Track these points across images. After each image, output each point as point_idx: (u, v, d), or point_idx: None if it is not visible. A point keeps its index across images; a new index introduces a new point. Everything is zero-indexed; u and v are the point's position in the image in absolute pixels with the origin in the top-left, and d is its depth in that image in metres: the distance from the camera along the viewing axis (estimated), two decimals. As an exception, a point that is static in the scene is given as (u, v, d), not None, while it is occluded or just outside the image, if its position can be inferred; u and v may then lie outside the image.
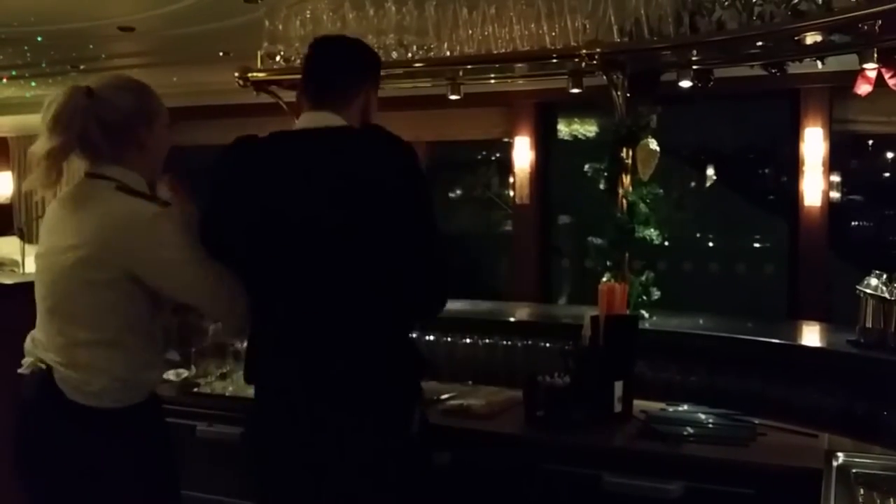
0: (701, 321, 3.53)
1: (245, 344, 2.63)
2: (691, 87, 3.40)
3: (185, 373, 3.77)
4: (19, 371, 2.46)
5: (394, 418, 2.33)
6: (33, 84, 8.39)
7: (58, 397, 2.30)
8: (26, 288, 3.95)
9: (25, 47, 6.72)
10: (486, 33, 3.48)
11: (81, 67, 7.50)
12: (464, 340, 3.51)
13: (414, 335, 3.06)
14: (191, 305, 2.51)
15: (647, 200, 3.39)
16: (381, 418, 2.30)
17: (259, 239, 2.30)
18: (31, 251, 6.85)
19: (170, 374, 3.78)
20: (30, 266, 6.12)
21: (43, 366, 2.37)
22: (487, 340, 3.46)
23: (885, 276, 2.90)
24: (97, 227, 2.28)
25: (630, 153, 3.33)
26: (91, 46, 6.76)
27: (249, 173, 2.35)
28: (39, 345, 2.41)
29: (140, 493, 2.37)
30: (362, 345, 2.31)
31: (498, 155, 9.05)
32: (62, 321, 2.36)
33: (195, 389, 3.54)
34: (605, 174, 3.39)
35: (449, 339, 3.52)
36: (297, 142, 2.37)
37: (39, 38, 6.44)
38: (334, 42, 2.55)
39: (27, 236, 7.18)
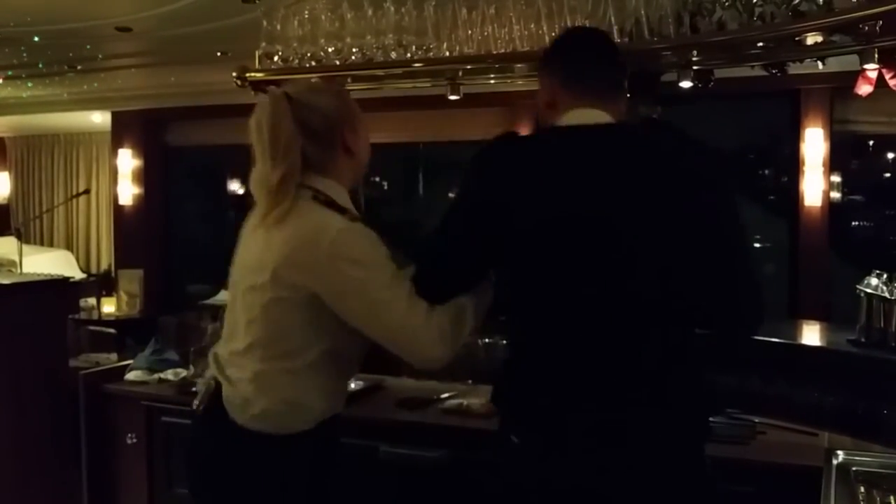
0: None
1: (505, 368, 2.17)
2: (692, 88, 3.40)
3: (183, 372, 3.79)
4: (194, 388, 2.41)
5: (690, 458, 2.01)
6: (30, 84, 8.39)
7: (223, 416, 2.20)
8: (25, 288, 4.00)
9: (22, 47, 6.71)
10: (485, 33, 3.48)
11: (79, 68, 7.49)
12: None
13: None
14: (375, 338, 2.19)
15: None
16: (678, 458, 1.98)
17: (531, 252, 1.99)
18: (28, 251, 6.86)
19: (168, 374, 3.80)
20: (27, 266, 6.13)
21: (213, 383, 2.27)
22: (487, 340, 3.46)
23: (885, 276, 2.90)
24: (284, 242, 2.13)
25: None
26: (88, 47, 6.75)
27: (519, 178, 2.03)
28: (216, 360, 2.30)
29: None
30: (667, 385, 1.96)
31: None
32: (237, 338, 2.23)
33: (194, 389, 3.54)
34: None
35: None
36: (579, 139, 2.05)
37: (36, 38, 6.43)
38: (593, 33, 2.36)
39: (24, 236, 7.18)
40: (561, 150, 2.05)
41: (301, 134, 2.18)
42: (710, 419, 2.10)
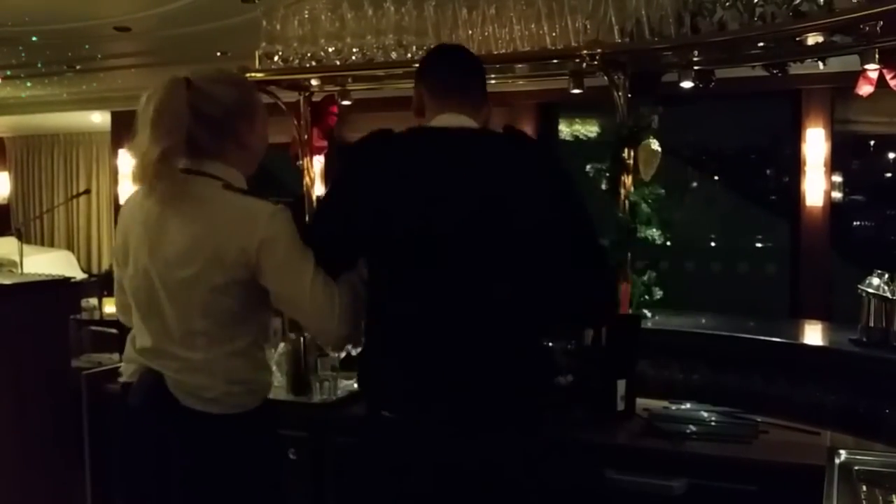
0: (703, 320, 3.54)
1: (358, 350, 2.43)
2: (692, 88, 3.40)
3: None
4: (120, 380, 2.34)
5: (530, 429, 2.21)
6: (28, 84, 8.38)
7: (171, 404, 2.20)
8: (26, 288, 4.00)
9: (20, 47, 6.70)
10: (486, 34, 3.49)
11: (77, 68, 7.49)
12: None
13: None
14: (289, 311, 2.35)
15: (649, 201, 3.39)
16: (519, 429, 2.16)
17: (400, 239, 2.14)
18: (28, 251, 6.85)
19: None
20: (28, 267, 6.13)
21: (149, 375, 2.24)
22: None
23: (886, 276, 2.91)
24: (213, 228, 2.17)
25: (632, 154, 3.33)
26: (87, 46, 6.74)
27: (394, 170, 2.20)
28: (146, 352, 2.27)
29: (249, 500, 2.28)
30: (507, 355, 2.16)
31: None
32: (177, 327, 2.22)
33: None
34: (607, 174, 3.39)
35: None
36: (444, 138, 2.24)
37: (34, 38, 6.42)
38: (459, 50, 2.51)
39: (25, 237, 7.17)
40: (427, 148, 2.24)
41: (194, 120, 2.21)
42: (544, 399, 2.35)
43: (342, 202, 2.25)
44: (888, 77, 2.94)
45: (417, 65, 2.45)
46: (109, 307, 7.54)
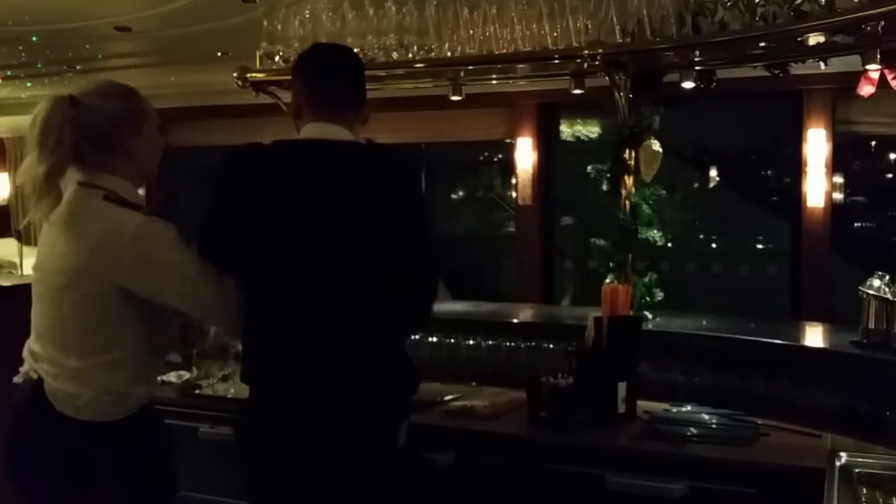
0: (704, 322, 3.53)
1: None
2: (694, 88, 3.40)
3: (186, 374, 3.77)
4: (14, 380, 2.44)
5: (383, 429, 2.40)
6: (29, 84, 8.36)
7: (47, 408, 2.28)
8: (25, 290, 3.97)
9: (20, 47, 6.67)
10: (487, 33, 3.48)
11: (78, 68, 7.46)
12: (467, 342, 3.50)
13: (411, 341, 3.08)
14: (183, 311, 2.43)
15: (650, 201, 3.38)
16: (372, 427, 2.36)
17: (264, 244, 2.32)
18: (28, 253, 6.83)
19: (171, 376, 3.78)
20: (28, 268, 6.12)
21: (35, 376, 2.34)
22: (491, 342, 3.46)
23: (887, 277, 2.90)
24: (83, 241, 2.25)
25: (633, 154, 3.32)
26: (87, 46, 6.72)
27: (259, 180, 2.35)
28: (31, 355, 2.39)
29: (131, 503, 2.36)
30: (359, 353, 2.36)
31: (500, 156, 9.03)
32: (52, 334, 2.34)
33: (197, 391, 3.54)
34: (608, 175, 3.38)
35: (452, 340, 3.52)
36: (306, 152, 2.41)
37: (34, 38, 6.40)
38: (340, 53, 2.63)
39: (25, 238, 7.16)
40: (296, 160, 2.38)
41: (80, 136, 2.27)
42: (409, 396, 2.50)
43: (218, 209, 2.39)
44: (889, 77, 2.94)
45: (294, 62, 2.62)
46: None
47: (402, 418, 2.46)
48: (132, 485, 2.33)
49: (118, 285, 2.25)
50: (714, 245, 8.03)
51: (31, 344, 2.42)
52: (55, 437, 2.30)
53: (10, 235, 7.36)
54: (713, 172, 8.04)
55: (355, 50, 3.60)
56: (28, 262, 6.49)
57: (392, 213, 2.34)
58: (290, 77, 3.78)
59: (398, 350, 2.49)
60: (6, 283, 3.96)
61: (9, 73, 7.74)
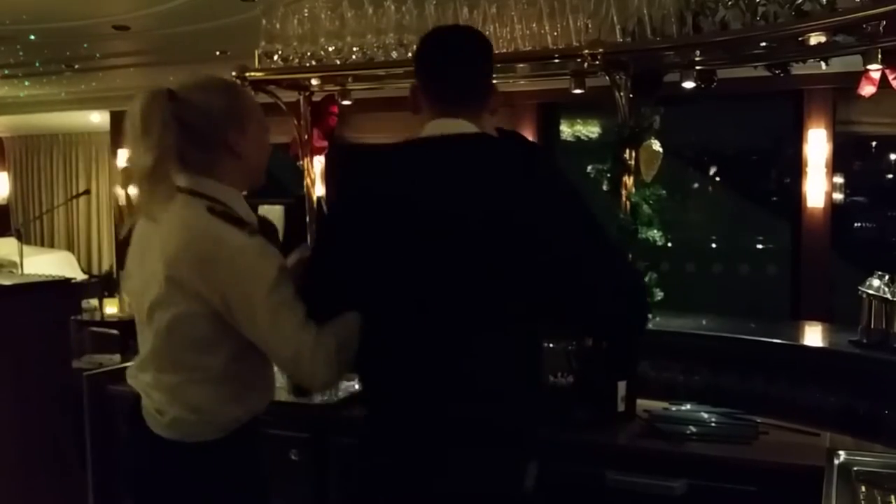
0: (704, 321, 3.54)
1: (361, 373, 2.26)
2: (694, 88, 3.40)
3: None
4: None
5: (508, 471, 2.07)
6: (27, 83, 8.36)
7: (141, 426, 2.20)
8: (25, 289, 4.00)
9: (18, 46, 6.68)
10: (486, 33, 3.46)
11: (76, 67, 7.47)
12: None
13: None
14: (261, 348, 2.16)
15: (651, 201, 3.38)
16: (497, 469, 2.04)
17: (385, 264, 2.04)
18: (29, 252, 6.85)
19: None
20: (28, 267, 6.12)
21: (135, 392, 2.26)
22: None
23: (887, 278, 2.91)
24: (184, 251, 2.07)
25: (633, 154, 3.32)
26: (85, 45, 6.72)
27: (380, 193, 2.07)
28: (132, 372, 2.28)
29: None
30: (500, 382, 2.04)
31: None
32: (150, 345, 2.19)
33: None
34: (608, 175, 3.38)
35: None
36: (428, 154, 2.10)
37: (32, 37, 6.40)
38: (462, 35, 2.28)
39: (25, 237, 7.17)
40: (417, 164, 2.09)
41: (181, 133, 2.11)
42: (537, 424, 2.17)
43: (330, 245, 2.17)
44: (890, 77, 2.93)
45: (414, 53, 2.27)
46: (110, 308, 7.55)
47: (530, 458, 2.12)
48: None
49: (212, 303, 2.07)
50: (714, 245, 8.03)
51: (134, 360, 2.31)
52: (147, 456, 2.22)
53: (11, 234, 7.36)
54: (713, 172, 8.04)
55: (354, 49, 3.64)
56: (28, 262, 6.53)
57: (539, 216, 1.97)
58: (289, 76, 3.84)
59: (537, 376, 2.19)
60: (7, 283, 3.96)
61: (6, 72, 7.74)
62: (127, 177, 2.14)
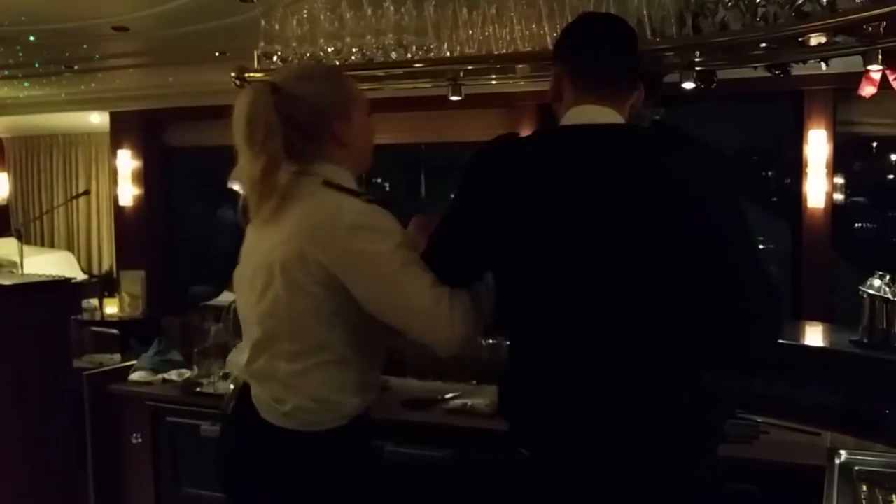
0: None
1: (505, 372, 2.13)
2: (694, 89, 3.40)
3: (187, 373, 3.79)
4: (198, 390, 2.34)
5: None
6: (26, 84, 8.34)
7: (252, 416, 2.16)
8: (26, 289, 4.00)
9: (17, 47, 6.65)
10: (486, 33, 3.47)
11: (76, 68, 7.45)
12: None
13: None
14: (390, 321, 2.10)
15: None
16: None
17: (522, 256, 1.95)
18: (29, 252, 6.83)
19: (172, 374, 3.80)
20: (28, 267, 6.11)
21: (240, 382, 2.23)
22: (491, 340, 3.46)
23: (888, 278, 2.90)
24: (298, 227, 2.06)
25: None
26: (85, 46, 6.70)
27: (515, 180, 1.97)
28: (238, 360, 2.25)
29: None
30: (671, 389, 1.91)
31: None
32: (262, 331, 2.15)
33: (198, 389, 3.55)
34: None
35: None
36: (571, 141, 1.99)
37: (31, 38, 6.37)
38: (610, 22, 2.21)
39: (25, 237, 7.16)
40: (561, 152, 1.97)
41: (286, 125, 2.10)
42: (722, 422, 2.07)
43: (467, 213, 2.04)
44: (891, 78, 2.93)
45: (557, 39, 2.18)
46: (110, 308, 7.57)
47: (714, 446, 2.03)
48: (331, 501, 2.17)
49: (328, 277, 2.05)
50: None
51: (238, 349, 2.28)
52: (259, 446, 2.17)
53: (11, 235, 7.36)
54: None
55: (353, 49, 3.64)
56: (28, 262, 6.51)
57: (692, 211, 1.85)
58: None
59: (700, 369, 2.00)
60: (7, 283, 3.97)
61: (6, 73, 7.73)
62: (240, 182, 2.14)
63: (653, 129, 2.06)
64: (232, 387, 2.33)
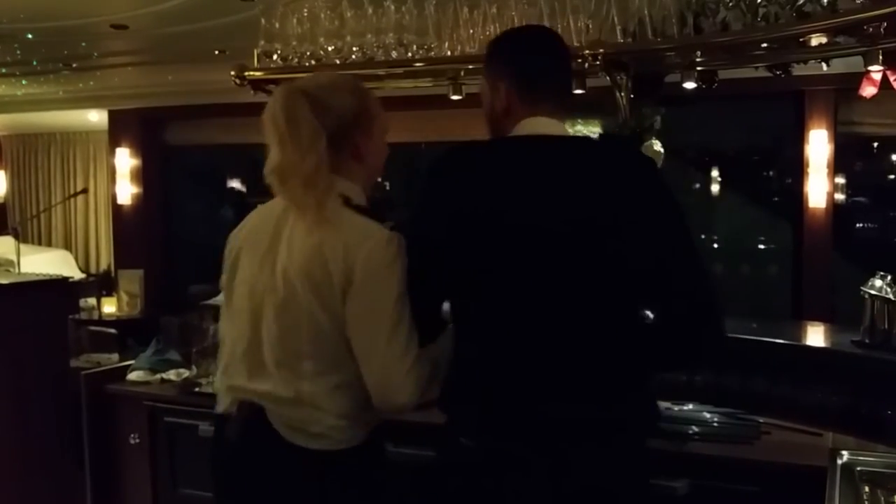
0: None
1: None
2: (695, 89, 3.39)
3: (185, 372, 3.78)
4: (218, 411, 2.20)
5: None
6: (24, 82, 8.33)
7: (273, 439, 2.08)
8: (24, 288, 3.99)
9: (15, 45, 6.64)
10: (487, 33, 3.46)
11: (74, 66, 7.44)
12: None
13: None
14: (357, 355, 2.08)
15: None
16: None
17: (480, 256, 2.01)
18: (26, 251, 6.82)
19: (170, 374, 3.79)
20: (26, 266, 6.10)
21: (246, 406, 2.12)
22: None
23: (889, 278, 2.90)
24: (325, 246, 2.03)
25: (634, 154, 3.31)
26: (83, 44, 6.69)
27: (475, 183, 2.06)
28: (234, 382, 2.17)
29: None
30: (605, 389, 2.00)
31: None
32: (282, 352, 2.09)
33: (196, 389, 3.54)
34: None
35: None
36: (531, 151, 2.07)
37: (30, 36, 6.36)
38: (547, 35, 2.30)
39: (22, 236, 7.15)
40: (515, 161, 2.06)
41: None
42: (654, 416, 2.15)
43: (419, 231, 2.10)
44: (892, 78, 2.93)
45: (488, 49, 2.24)
46: (108, 307, 7.56)
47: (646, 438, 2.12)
48: None
49: (343, 296, 2.03)
50: (715, 245, 8.02)
51: (237, 367, 2.17)
52: (282, 470, 2.10)
53: (8, 233, 7.35)
54: (715, 173, 8.03)
55: (354, 48, 3.63)
56: (26, 261, 6.50)
57: (637, 219, 1.95)
58: (288, 76, 3.81)
59: (646, 387, 2.12)
60: (4, 282, 3.96)
61: (4, 70, 7.72)
62: (281, 179, 2.09)
63: (602, 141, 2.25)
64: (221, 410, 2.21)
